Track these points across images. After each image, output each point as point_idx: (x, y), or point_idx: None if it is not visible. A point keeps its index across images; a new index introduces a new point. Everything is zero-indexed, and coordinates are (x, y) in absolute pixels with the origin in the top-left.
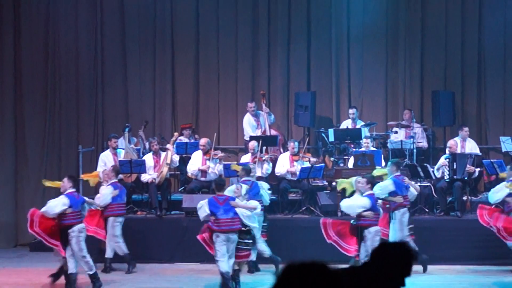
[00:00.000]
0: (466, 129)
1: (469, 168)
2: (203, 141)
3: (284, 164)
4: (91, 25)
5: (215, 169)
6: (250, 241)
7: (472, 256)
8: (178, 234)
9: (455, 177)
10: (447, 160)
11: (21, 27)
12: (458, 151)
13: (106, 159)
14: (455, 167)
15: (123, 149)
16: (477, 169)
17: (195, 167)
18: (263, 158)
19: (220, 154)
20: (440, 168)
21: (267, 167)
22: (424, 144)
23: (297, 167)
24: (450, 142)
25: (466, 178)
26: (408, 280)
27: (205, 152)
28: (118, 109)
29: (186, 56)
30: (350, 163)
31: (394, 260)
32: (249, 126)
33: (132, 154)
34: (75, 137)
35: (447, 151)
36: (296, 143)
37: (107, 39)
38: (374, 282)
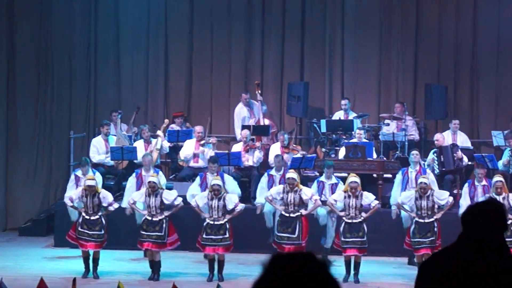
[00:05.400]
0: (455, 121)
1: (457, 154)
2: (198, 128)
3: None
4: (85, 10)
5: (208, 154)
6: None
7: None
8: None
9: (443, 169)
10: (435, 154)
11: (15, 11)
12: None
13: (97, 145)
14: (442, 159)
15: (114, 135)
16: (468, 162)
17: (188, 151)
18: (256, 145)
19: (213, 139)
20: (430, 164)
21: (258, 155)
22: (415, 136)
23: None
24: (437, 136)
25: (458, 165)
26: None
27: (200, 139)
28: (110, 95)
29: (180, 45)
30: (341, 154)
31: (485, 217)
32: (240, 117)
33: (124, 141)
34: (66, 122)
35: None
36: (286, 136)
37: (101, 24)
38: (473, 245)
